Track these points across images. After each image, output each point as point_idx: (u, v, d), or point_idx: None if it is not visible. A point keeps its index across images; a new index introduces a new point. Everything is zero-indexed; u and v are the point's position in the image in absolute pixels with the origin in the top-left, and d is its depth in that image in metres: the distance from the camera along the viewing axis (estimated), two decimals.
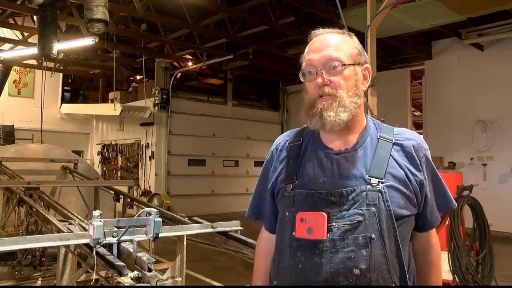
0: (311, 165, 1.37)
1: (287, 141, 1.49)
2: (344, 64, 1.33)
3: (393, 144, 1.37)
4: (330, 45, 1.35)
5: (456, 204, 1.46)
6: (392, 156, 1.34)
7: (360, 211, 1.26)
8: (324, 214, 1.27)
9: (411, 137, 1.40)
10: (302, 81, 1.39)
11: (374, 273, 1.23)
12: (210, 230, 2.50)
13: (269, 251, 1.50)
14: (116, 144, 14.10)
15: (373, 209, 1.25)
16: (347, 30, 1.43)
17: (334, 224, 1.26)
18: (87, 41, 8.56)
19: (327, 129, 1.34)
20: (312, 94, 1.35)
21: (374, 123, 1.43)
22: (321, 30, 1.41)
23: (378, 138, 1.38)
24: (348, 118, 1.32)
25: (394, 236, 1.26)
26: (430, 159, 1.42)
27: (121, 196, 4.30)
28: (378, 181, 1.28)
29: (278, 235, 1.41)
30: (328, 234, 1.26)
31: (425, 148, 1.40)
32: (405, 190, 1.31)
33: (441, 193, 1.43)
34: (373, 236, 1.24)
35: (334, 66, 1.32)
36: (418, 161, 1.36)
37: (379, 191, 1.27)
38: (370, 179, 1.29)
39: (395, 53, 11.51)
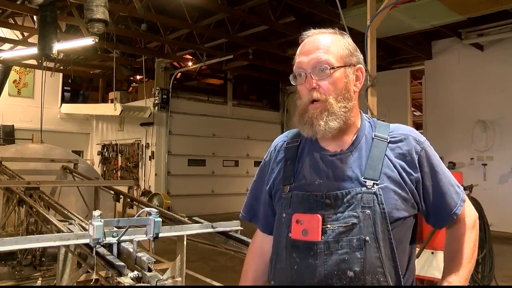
0: (307, 167, 1.37)
1: (284, 141, 1.49)
2: (333, 68, 1.31)
3: (388, 142, 1.35)
4: (320, 47, 1.33)
5: (460, 208, 1.36)
6: (387, 156, 1.32)
7: (355, 214, 1.25)
8: (319, 216, 1.27)
9: (405, 132, 1.37)
10: (293, 84, 1.38)
11: (368, 276, 1.22)
12: (210, 230, 2.50)
13: (261, 251, 1.53)
14: (116, 144, 14.10)
15: (368, 211, 1.24)
16: (347, 30, 1.41)
17: (329, 226, 1.26)
18: (87, 41, 8.56)
19: (319, 137, 1.35)
20: (304, 99, 1.35)
21: (369, 122, 1.41)
22: (312, 31, 1.39)
23: (373, 138, 1.36)
24: (339, 125, 1.30)
25: (388, 239, 1.25)
26: (431, 153, 1.36)
27: (121, 196, 4.30)
28: (373, 183, 1.27)
29: (275, 235, 1.42)
30: (323, 236, 1.25)
31: (421, 141, 1.36)
32: (400, 191, 1.29)
33: (443, 193, 1.35)
34: (367, 238, 1.23)
35: (322, 69, 1.31)
36: (414, 158, 1.33)
37: (374, 193, 1.26)
38: (365, 181, 1.28)
39: (395, 53, 11.51)
